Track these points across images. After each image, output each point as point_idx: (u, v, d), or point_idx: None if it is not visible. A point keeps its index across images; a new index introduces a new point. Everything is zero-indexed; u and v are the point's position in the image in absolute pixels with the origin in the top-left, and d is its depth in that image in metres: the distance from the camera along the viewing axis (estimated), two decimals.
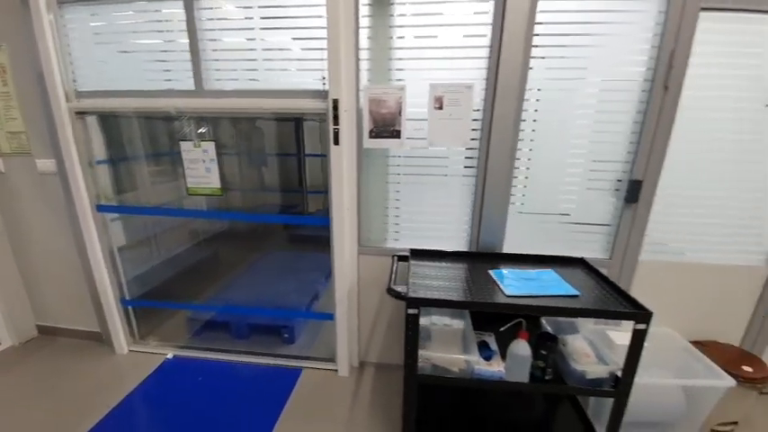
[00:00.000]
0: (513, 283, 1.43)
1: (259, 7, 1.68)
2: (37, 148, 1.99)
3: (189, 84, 1.79)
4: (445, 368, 1.40)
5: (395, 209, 1.90)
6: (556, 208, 1.80)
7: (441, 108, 1.66)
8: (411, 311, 1.30)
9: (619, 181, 1.72)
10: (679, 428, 1.63)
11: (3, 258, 2.20)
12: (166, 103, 1.81)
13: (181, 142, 1.84)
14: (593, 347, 1.39)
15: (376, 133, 1.73)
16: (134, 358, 2.20)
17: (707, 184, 1.71)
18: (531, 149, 1.73)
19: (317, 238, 1.91)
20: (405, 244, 1.90)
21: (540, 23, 1.55)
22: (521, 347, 1.33)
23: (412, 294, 1.33)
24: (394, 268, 1.66)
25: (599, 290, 1.42)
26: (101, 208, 2.03)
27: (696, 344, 1.74)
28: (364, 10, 1.62)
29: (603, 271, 1.57)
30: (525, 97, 1.64)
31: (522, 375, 1.34)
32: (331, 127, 1.69)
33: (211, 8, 1.70)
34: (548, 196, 1.79)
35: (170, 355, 2.20)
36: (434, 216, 1.87)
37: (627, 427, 1.46)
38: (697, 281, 1.82)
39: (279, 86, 1.75)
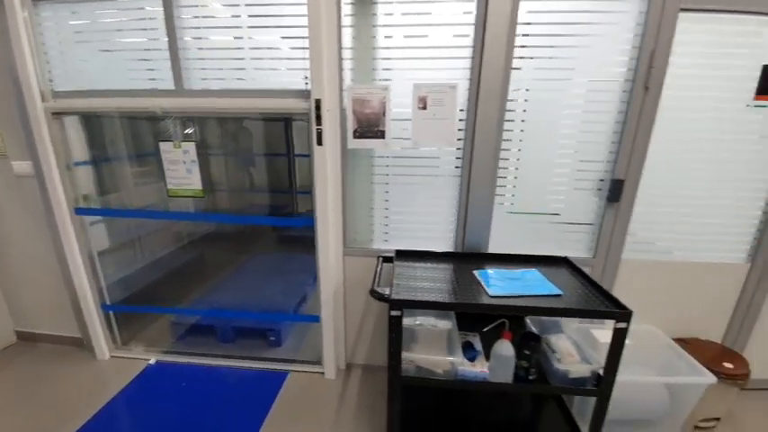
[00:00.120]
0: (497, 284, 1.43)
1: (246, 5, 1.65)
2: (13, 150, 1.94)
3: (170, 83, 1.76)
4: (430, 370, 1.39)
5: (384, 209, 1.88)
6: (544, 208, 1.81)
7: (425, 108, 1.65)
8: (394, 313, 1.29)
9: (601, 180, 1.73)
10: (663, 426, 1.65)
11: None
12: (146, 103, 1.77)
13: (160, 143, 1.80)
14: (576, 346, 1.40)
15: (360, 133, 1.71)
16: (116, 364, 2.16)
17: (689, 183, 1.73)
18: (519, 149, 1.73)
19: (306, 239, 1.89)
20: (392, 245, 1.89)
21: (523, 24, 1.55)
22: (504, 348, 1.32)
23: (395, 296, 1.32)
24: (378, 270, 1.64)
25: (582, 289, 1.42)
26: (79, 211, 1.98)
27: (679, 341, 1.76)
28: (347, 9, 1.61)
29: (587, 270, 1.58)
30: (513, 98, 1.64)
31: (506, 376, 1.34)
32: (314, 127, 1.67)
33: (192, 6, 1.67)
34: (536, 196, 1.80)
35: (153, 361, 2.15)
36: (421, 217, 1.86)
37: (612, 426, 1.47)
38: (679, 278, 1.84)
39: (262, 86, 1.73)
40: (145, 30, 1.73)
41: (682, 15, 1.50)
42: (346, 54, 1.66)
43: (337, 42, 1.62)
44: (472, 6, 1.55)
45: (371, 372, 2.11)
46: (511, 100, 1.65)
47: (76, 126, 1.97)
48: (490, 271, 1.55)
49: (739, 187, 1.72)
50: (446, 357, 1.38)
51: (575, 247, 1.83)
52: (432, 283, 1.46)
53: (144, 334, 2.39)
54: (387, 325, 2.01)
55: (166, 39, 1.69)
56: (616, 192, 1.70)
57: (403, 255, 1.72)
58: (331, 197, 1.81)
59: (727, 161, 1.69)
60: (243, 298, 2.63)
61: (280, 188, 3.80)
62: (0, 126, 1.91)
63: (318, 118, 1.65)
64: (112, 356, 2.21)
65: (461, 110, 1.67)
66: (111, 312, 2.20)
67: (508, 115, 1.67)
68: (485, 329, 1.58)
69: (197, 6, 1.67)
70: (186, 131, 1.97)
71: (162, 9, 1.66)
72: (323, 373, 2.07)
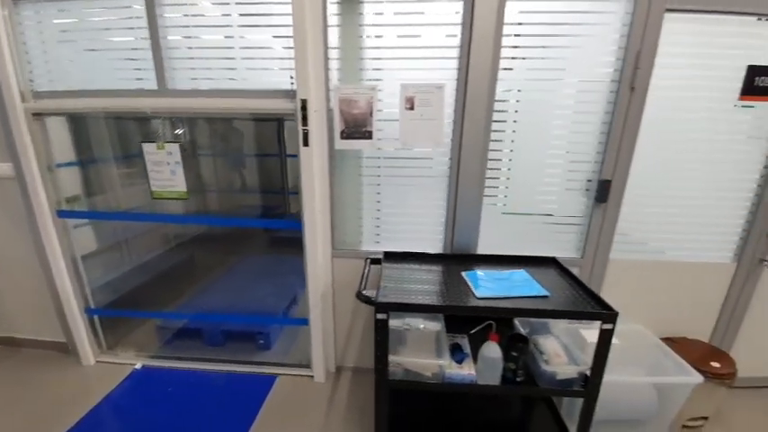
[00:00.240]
0: (484, 285, 1.42)
1: (236, 3, 1.62)
2: None
3: (153, 83, 1.73)
4: (418, 372, 1.37)
5: (374, 210, 1.86)
6: (537, 208, 1.80)
7: (412, 108, 1.64)
8: (380, 316, 1.27)
9: (589, 181, 1.73)
10: (651, 425, 1.65)
11: None
12: (129, 103, 1.74)
13: (143, 144, 1.77)
14: (564, 347, 1.39)
15: (347, 134, 1.70)
16: (101, 369, 2.12)
17: (676, 183, 1.73)
18: (512, 150, 1.72)
19: (297, 240, 1.87)
20: (382, 247, 1.87)
21: (512, 24, 1.54)
22: (491, 350, 1.32)
23: (381, 299, 1.31)
24: (365, 272, 1.63)
25: (569, 289, 1.41)
26: (62, 213, 1.94)
27: (667, 340, 1.76)
28: (333, 8, 1.59)
29: (575, 270, 1.57)
30: (504, 98, 1.64)
31: (494, 378, 1.33)
32: (300, 127, 1.65)
33: (175, 4, 1.64)
34: (528, 197, 1.79)
35: (139, 365, 2.12)
36: (412, 218, 1.85)
37: (601, 426, 1.47)
38: (667, 278, 1.84)
39: (251, 86, 1.70)
40: (132, 29, 1.69)
41: (667, 16, 1.50)
42: (333, 54, 1.64)
43: (323, 42, 1.61)
44: (459, 6, 1.54)
45: (361, 375, 2.10)
46: (502, 101, 1.64)
47: (61, 127, 1.93)
48: (480, 272, 1.54)
49: (726, 187, 1.73)
50: (434, 360, 1.37)
51: (564, 248, 1.83)
52: (419, 284, 1.45)
53: (130, 338, 2.35)
54: None
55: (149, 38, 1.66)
56: (603, 192, 1.70)
57: (391, 257, 1.70)
58: (318, 198, 1.79)
59: (715, 161, 1.70)
60: (232, 301, 2.60)
61: (271, 189, 3.77)
62: None
63: (305, 118, 1.63)
64: (98, 361, 2.17)
65: (450, 110, 1.65)
66: (95, 316, 2.16)
67: (500, 116, 1.66)
68: (472, 331, 1.57)
69: (182, 5, 1.64)
70: (176, 132, 1.94)
71: (144, 8, 1.63)
72: (312, 376, 2.05)
